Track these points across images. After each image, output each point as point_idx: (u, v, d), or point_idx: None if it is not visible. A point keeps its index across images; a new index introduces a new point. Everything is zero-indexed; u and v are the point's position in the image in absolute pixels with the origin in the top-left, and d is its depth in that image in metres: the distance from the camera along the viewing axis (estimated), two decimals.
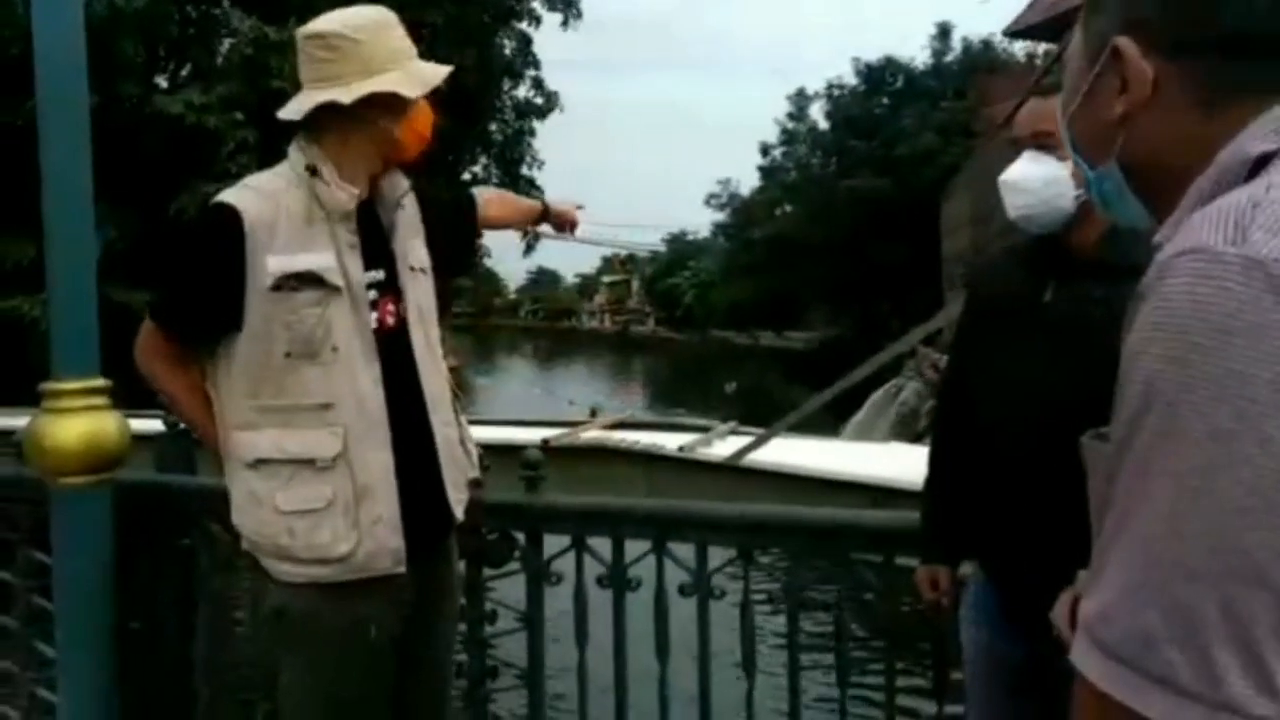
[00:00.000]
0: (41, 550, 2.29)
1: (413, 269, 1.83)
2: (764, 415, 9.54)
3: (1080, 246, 1.51)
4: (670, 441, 7.88)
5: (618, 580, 2.08)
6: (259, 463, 1.67)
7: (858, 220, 31.15)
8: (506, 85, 19.29)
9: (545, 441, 7.08)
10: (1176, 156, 0.65)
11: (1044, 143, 1.49)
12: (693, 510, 2.15)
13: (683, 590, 2.03)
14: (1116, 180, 0.71)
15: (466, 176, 18.61)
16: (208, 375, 1.74)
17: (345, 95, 1.66)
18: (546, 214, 2.31)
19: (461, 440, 1.90)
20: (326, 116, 1.70)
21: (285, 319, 1.64)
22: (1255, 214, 0.53)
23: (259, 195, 1.69)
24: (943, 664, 1.91)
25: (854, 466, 6.73)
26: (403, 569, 1.71)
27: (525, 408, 13.82)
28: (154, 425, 5.09)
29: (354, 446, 1.66)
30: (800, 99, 38.19)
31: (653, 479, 7.57)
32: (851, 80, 35.18)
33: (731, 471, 7.20)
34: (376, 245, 1.77)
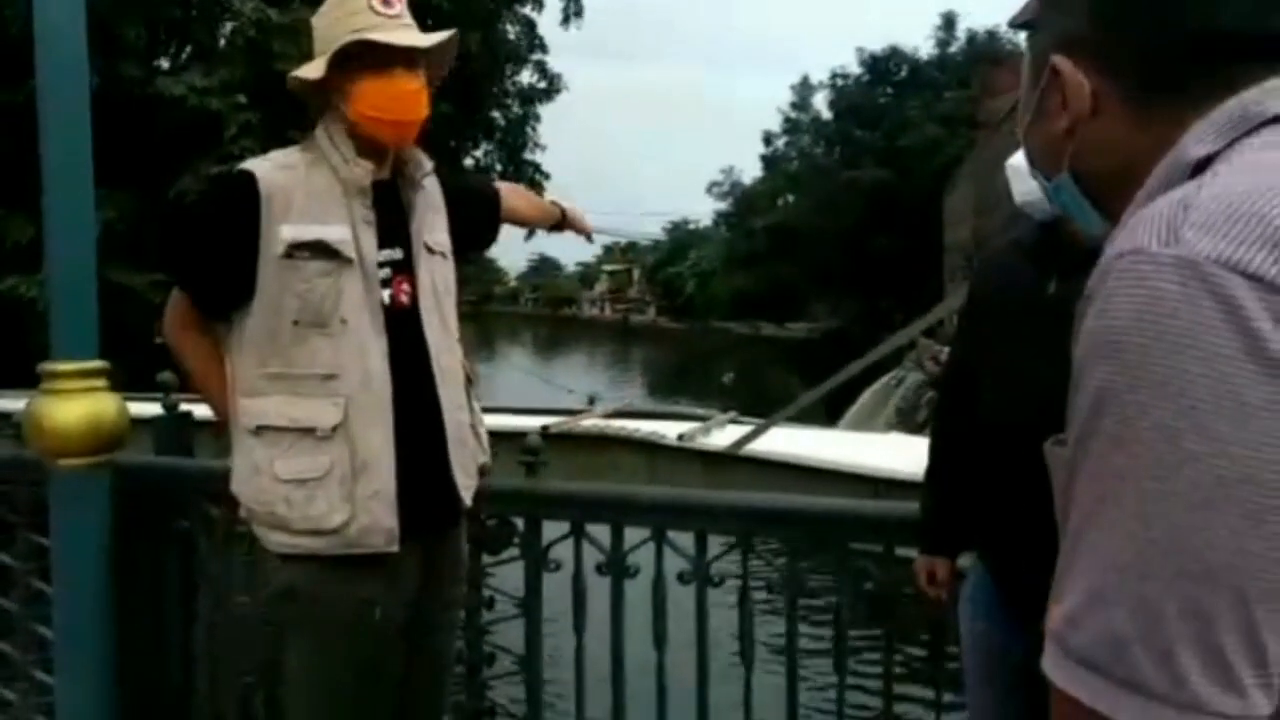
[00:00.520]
0: (40, 533, 2.29)
1: (430, 250, 1.82)
2: (762, 407, 9.55)
3: (1083, 237, 1.50)
4: (670, 430, 7.89)
5: (617, 568, 2.08)
6: (262, 429, 1.69)
7: (860, 210, 31.13)
8: (509, 71, 19.24)
9: (544, 429, 7.08)
10: (1122, 164, 0.67)
11: None
12: (692, 498, 2.15)
13: (682, 578, 2.03)
14: (1071, 190, 0.73)
15: (469, 162, 18.57)
16: (224, 345, 1.77)
17: (303, 74, 1.72)
18: (564, 220, 2.30)
19: (473, 425, 1.90)
20: (326, 98, 1.75)
21: (297, 288, 1.66)
22: (1187, 214, 0.54)
23: (278, 166, 1.71)
24: (941, 654, 1.91)
25: (854, 457, 6.75)
26: (395, 548, 1.71)
27: (523, 396, 13.82)
28: (152, 408, 5.09)
29: (354, 419, 1.67)
30: (804, 88, 38.08)
31: (652, 467, 7.58)
32: (856, 70, 35.07)
33: (731, 460, 7.21)
34: (396, 224, 1.78)
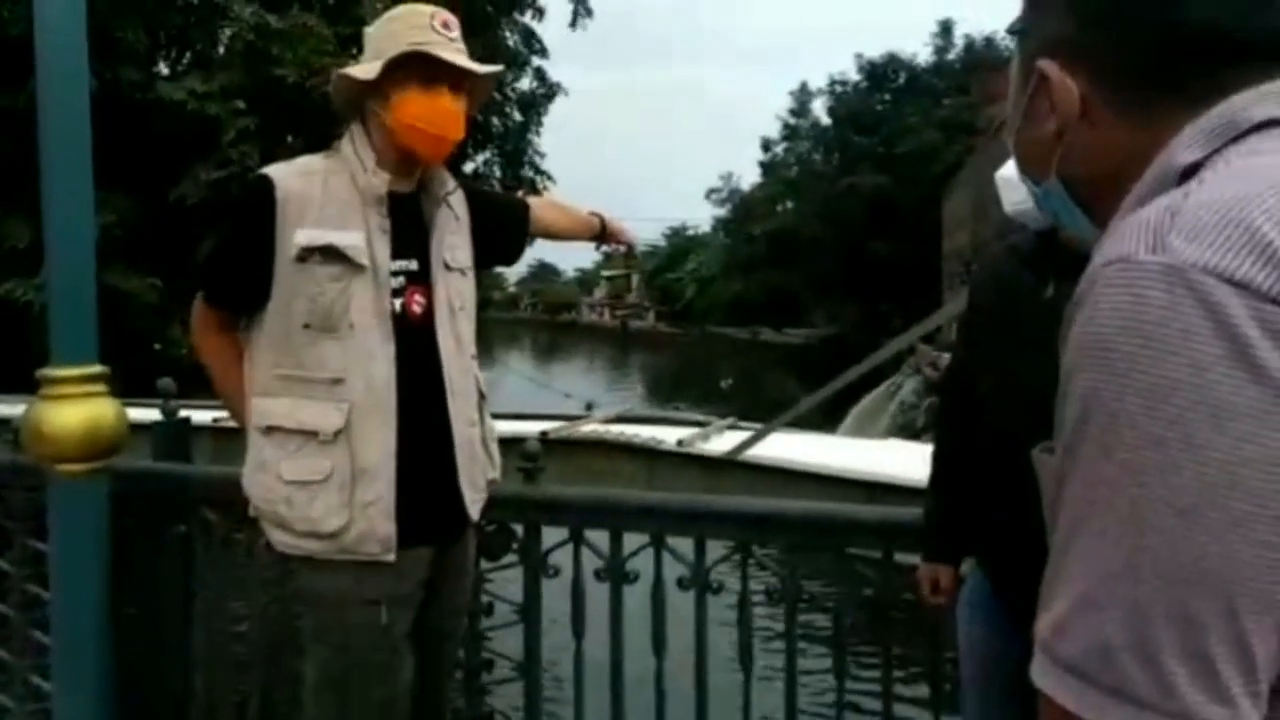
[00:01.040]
0: (37, 539, 2.29)
1: (448, 266, 1.84)
2: (760, 413, 9.54)
3: (1077, 243, 1.50)
4: (669, 436, 7.88)
5: (616, 573, 2.07)
6: (271, 430, 1.72)
7: (859, 216, 31.16)
8: (509, 78, 19.26)
9: (544, 434, 7.07)
10: (1111, 169, 0.66)
11: None
12: (691, 504, 2.15)
13: (681, 584, 2.03)
14: (1060, 195, 0.72)
15: (469, 169, 18.56)
16: (244, 347, 1.81)
17: (356, 73, 1.75)
18: (604, 232, 2.28)
19: (484, 440, 1.91)
20: (363, 106, 1.79)
21: (308, 291, 1.69)
22: (1174, 222, 0.54)
23: (297, 172, 1.74)
24: (940, 660, 1.91)
25: (852, 462, 6.74)
26: (391, 557, 1.72)
27: (522, 401, 13.80)
28: (151, 414, 5.08)
29: (357, 425, 1.69)
30: (802, 94, 38.13)
31: (651, 473, 7.57)
32: (854, 76, 35.13)
33: (730, 466, 7.20)
34: (414, 237, 1.80)
